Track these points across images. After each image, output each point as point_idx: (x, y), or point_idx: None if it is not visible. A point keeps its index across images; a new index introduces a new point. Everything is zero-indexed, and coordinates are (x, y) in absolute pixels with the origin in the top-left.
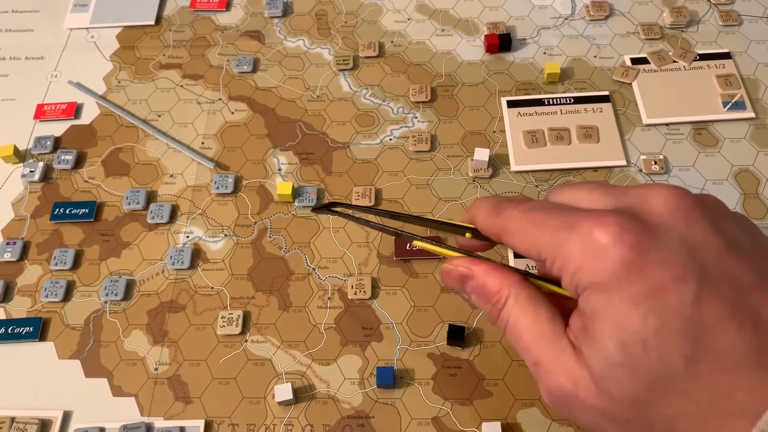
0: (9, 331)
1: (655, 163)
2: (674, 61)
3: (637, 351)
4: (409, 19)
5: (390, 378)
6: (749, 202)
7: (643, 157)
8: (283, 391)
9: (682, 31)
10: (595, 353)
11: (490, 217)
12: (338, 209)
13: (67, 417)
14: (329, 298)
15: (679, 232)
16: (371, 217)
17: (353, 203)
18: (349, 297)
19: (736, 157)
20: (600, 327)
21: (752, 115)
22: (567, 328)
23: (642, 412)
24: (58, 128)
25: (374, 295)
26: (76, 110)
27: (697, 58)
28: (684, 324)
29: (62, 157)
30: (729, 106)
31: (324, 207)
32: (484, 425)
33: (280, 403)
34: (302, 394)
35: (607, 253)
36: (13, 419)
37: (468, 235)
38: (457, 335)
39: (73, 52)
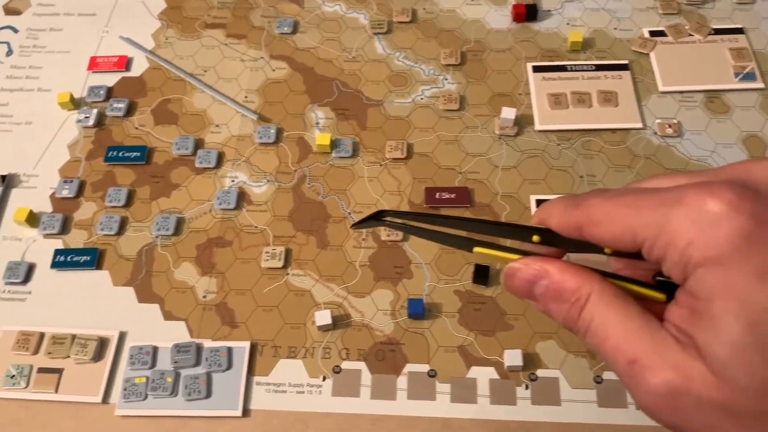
0: (68, 259)
1: (669, 126)
2: (690, 35)
3: None
4: None
5: (420, 308)
6: None
7: (658, 121)
8: (323, 317)
9: (698, 7)
10: (716, 337)
11: (568, 212)
12: (388, 218)
13: (122, 336)
14: (363, 239)
15: None
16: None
17: (386, 156)
18: (382, 238)
19: (745, 123)
20: (721, 307)
21: (762, 85)
22: (664, 322)
23: None
24: (110, 79)
25: (405, 237)
26: (126, 63)
27: (712, 32)
28: None
29: (114, 105)
30: (740, 76)
31: (370, 218)
32: (506, 352)
33: (319, 328)
34: (339, 322)
35: (723, 224)
36: (74, 336)
37: (536, 238)
38: (483, 274)
39: (123, 9)
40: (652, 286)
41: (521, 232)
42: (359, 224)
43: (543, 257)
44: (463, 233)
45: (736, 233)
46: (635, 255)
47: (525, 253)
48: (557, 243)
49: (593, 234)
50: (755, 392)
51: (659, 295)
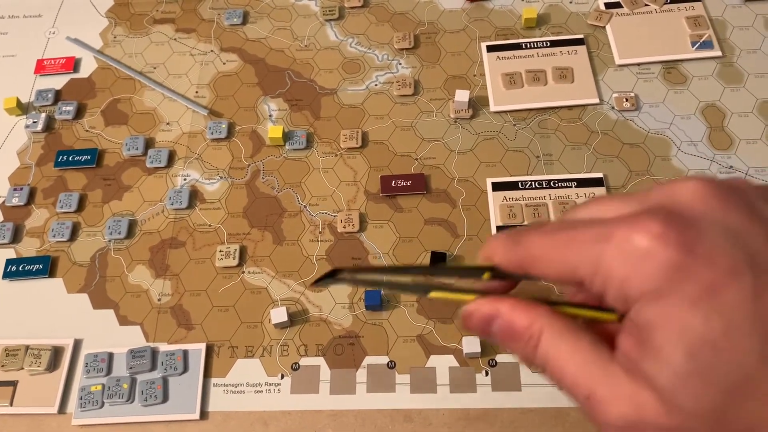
0: (20, 268)
1: (627, 100)
2: (646, 5)
3: (707, 356)
4: None
5: (377, 299)
6: (715, 134)
7: (615, 95)
8: (279, 314)
9: None
10: (660, 368)
11: (509, 250)
12: (344, 276)
13: (78, 344)
14: (320, 233)
15: (719, 222)
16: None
17: (341, 145)
18: (339, 231)
19: (703, 93)
20: (661, 337)
21: (719, 53)
22: (614, 351)
23: (720, 423)
24: (59, 82)
25: (362, 228)
26: (74, 64)
27: (668, 1)
28: (750, 320)
29: (63, 108)
30: (697, 45)
31: (327, 277)
32: (464, 339)
33: (276, 326)
34: (296, 318)
35: (652, 258)
36: (27, 347)
37: (486, 275)
38: (440, 260)
39: (69, 9)
40: (603, 308)
41: (472, 271)
42: (317, 282)
43: (495, 297)
44: (419, 279)
45: (665, 265)
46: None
47: (481, 292)
48: (507, 276)
49: (536, 272)
50: (704, 417)
51: (611, 316)
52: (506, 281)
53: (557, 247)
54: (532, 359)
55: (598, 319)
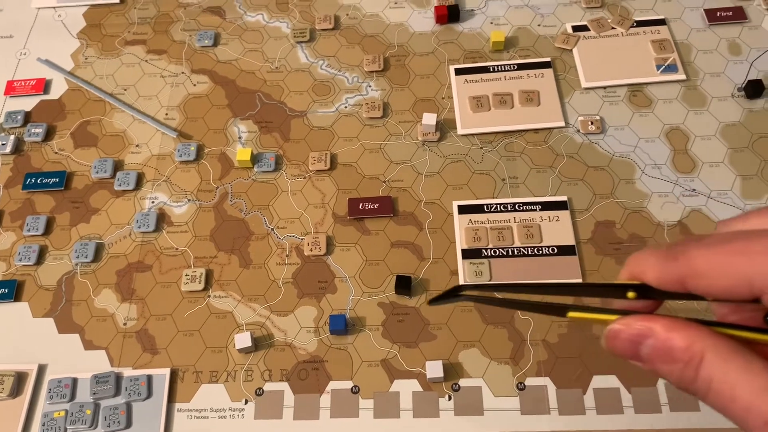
0: None
1: (592, 123)
2: (613, 28)
3: None
4: None
5: (341, 324)
6: (678, 157)
7: (580, 118)
8: (243, 339)
9: None
10: None
11: (665, 266)
12: (467, 293)
13: (42, 369)
14: (287, 256)
15: None
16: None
17: (310, 168)
18: (306, 254)
19: (668, 116)
20: None
21: (683, 77)
22: None
23: None
24: (28, 103)
25: (329, 251)
26: (45, 86)
27: (635, 24)
28: None
29: (33, 131)
30: (662, 68)
31: (448, 295)
32: (427, 364)
33: (240, 351)
34: (261, 342)
35: None
36: None
37: (631, 294)
38: (405, 284)
39: (41, 30)
40: (764, 330)
41: (613, 290)
42: (436, 301)
43: (646, 315)
44: (553, 298)
45: None
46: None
47: (622, 313)
48: (653, 295)
49: (699, 286)
50: None
51: None
52: (652, 301)
53: (730, 259)
54: (690, 383)
55: (757, 341)
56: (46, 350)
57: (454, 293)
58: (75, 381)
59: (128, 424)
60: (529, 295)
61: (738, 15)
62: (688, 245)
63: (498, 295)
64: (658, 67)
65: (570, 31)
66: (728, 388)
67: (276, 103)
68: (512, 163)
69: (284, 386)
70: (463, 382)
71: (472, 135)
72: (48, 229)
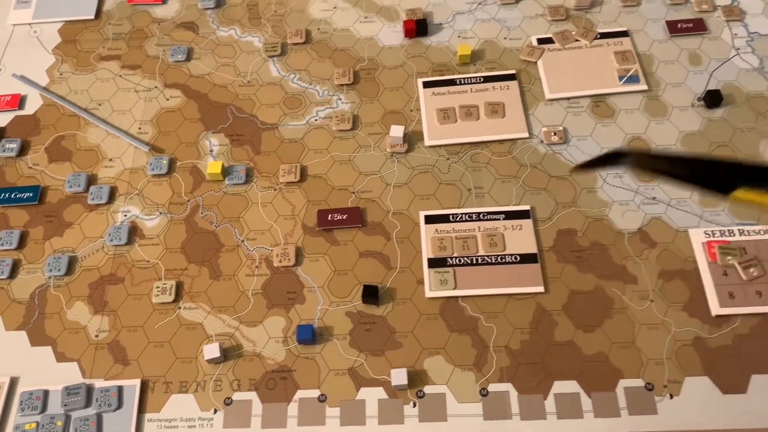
0: None
1: (555, 134)
2: (577, 40)
3: None
4: (335, 8)
5: (309, 334)
6: None
7: (544, 129)
8: (212, 350)
9: (586, 12)
10: None
11: None
12: (628, 159)
13: (14, 382)
14: (257, 267)
15: None
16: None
17: (280, 180)
18: (275, 265)
19: (630, 126)
20: None
21: (645, 87)
22: None
23: None
24: (3, 119)
25: (298, 262)
26: (20, 102)
27: (598, 36)
28: None
29: (7, 146)
30: (624, 79)
31: (605, 160)
32: (392, 371)
33: (209, 361)
34: (230, 353)
35: None
36: None
37: None
38: (372, 294)
39: (16, 46)
40: None
41: None
42: (587, 166)
43: None
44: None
45: None
46: None
47: None
48: None
49: None
50: None
51: None
52: None
53: None
54: None
55: None
56: (18, 363)
57: (612, 158)
58: (46, 393)
59: None
60: (694, 169)
61: (698, 27)
62: None
63: (660, 166)
64: (621, 78)
65: (535, 43)
66: None
67: (247, 116)
68: (478, 173)
69: (253, 396)
70: (427, 389)
71: (439, 146)
72: (21, 243)
